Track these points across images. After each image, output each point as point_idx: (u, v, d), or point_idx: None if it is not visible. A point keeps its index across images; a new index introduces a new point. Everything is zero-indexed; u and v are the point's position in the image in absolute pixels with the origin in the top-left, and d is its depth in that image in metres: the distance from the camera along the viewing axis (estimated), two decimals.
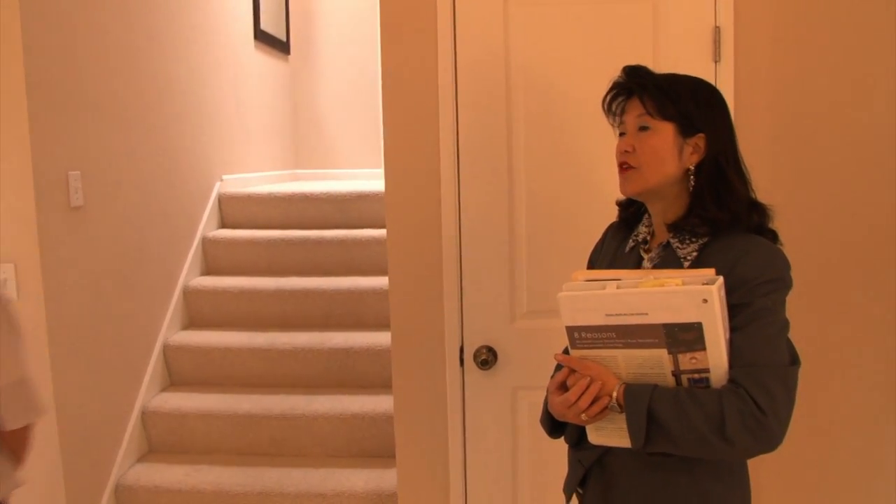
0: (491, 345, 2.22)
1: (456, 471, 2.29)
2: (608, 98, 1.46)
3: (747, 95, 2.09)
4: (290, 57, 5.76)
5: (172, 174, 3.63)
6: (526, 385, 2.22)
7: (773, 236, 1.38)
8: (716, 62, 2.10)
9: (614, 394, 1.26)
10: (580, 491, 1.50)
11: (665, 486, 1.35)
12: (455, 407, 2.26)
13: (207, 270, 3.99)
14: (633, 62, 1.46)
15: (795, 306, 1.40)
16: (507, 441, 2.27)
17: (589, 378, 1.27)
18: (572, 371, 1.31)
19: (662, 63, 1.48)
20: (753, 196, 1.40)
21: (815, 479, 2.27)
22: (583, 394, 1.27)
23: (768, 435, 1.20)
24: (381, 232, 3.93)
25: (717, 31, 2.09)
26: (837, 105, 2.14)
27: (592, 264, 1.63)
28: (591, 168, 2.15)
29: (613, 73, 1.50)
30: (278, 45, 5.44)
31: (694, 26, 2.10)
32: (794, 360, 1.28)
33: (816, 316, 2.19)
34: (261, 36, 5.02)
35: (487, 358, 2.21)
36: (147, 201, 3.34)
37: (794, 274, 1.32)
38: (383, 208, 4.07)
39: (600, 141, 2.12)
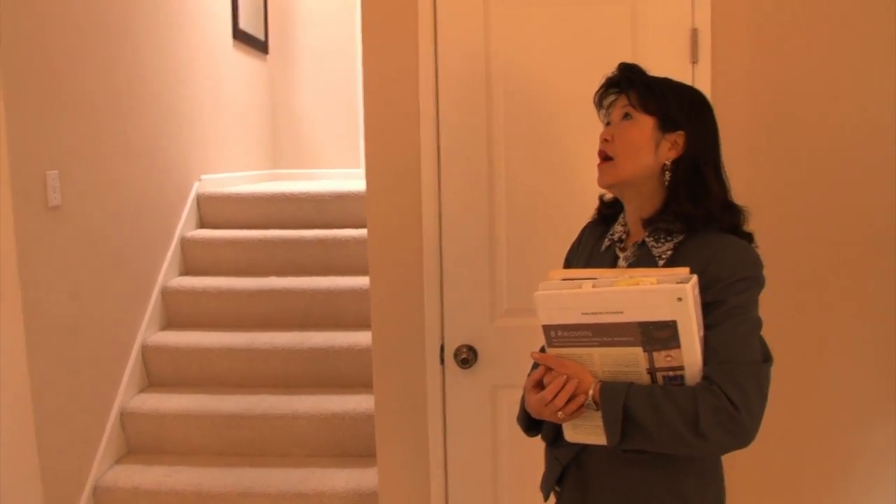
0: (471, 343, 2.23)
1: (436, 470, 2.30)
2: (599, 92, 1.50)
3: (724, 97, 2.12)
4: (268, 56, 5.74)
5: (150, 174, 3.61)
6: (506, 384, 2.23)
7: (749, 238, 1.40)
8: (693, 64, 2.12)
9: (590, 391, 1.28)
10: (557, 489, 1.52)
11: (641, 483, 1.37)
12: (435, 406, 2.27)
13: (186, 271, 3.97)
14: (611, 63, 1.50)
15: (771, 306, 1.43)
16: (488, 440, 2.28)
17: (565, 376, 1.29)
18: (549, 369, 1.32)
19: (641, 64, 1.51)
20: (730, 198, 1.42)
21: (788, 476, 2.31)
22: (559, 392, 1.29)
23: (741, 430, 1.22)
24: (361, 232, 3.93)
25: (694, 32, 2.12)
26: (815, 107, 2.17)
27: (569, 263, 1.64)
28: (572, 167, 2.17)
29: (592, 73, 1.53)
30: (257, 45, 5.42)
31: (672, 28, 2.12)
32: (767, 358, 1.30)
33: (791, 316, 2.22)
34: (239, 35, 5.01)
35: (468, 357, 2.22)
36: (125, 201, 3.32)
37: (770, 275, 1.35)
38: (362, 208, 4.10)
39: (580, 140, 2.14)
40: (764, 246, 1.42)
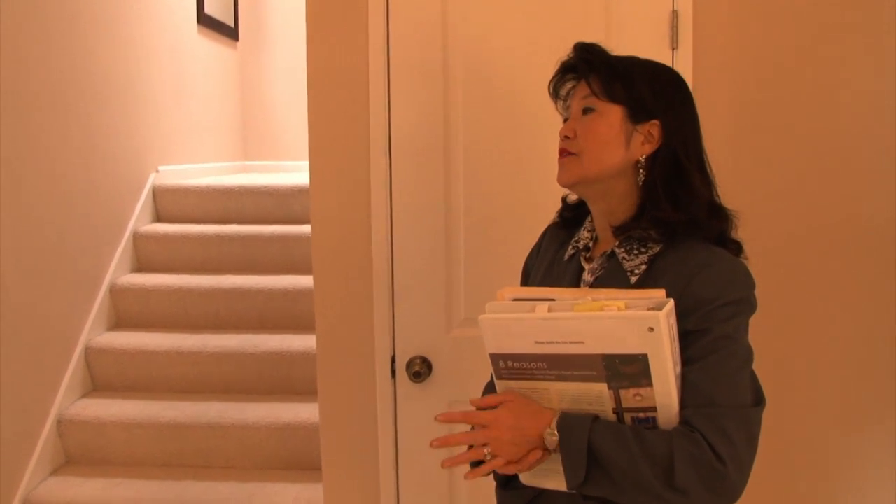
0: (425, 355, 2.03)
1: (387, 492, 2.10)
2: (555, 80, 1.28)
3: (707, 85, 1.92)
4: (238, 43, 5.51)
5: (99, 163, 3.39)
6: (463, 399, 2.00)
7: (737, 248, 1.19)
8: (673, 49, 1.93)
9: (553, 422, 1.07)
10: None
11: None
12: (386, 423, 2.07)
13: (139, 267, 3.75)
14: None
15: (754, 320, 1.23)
16: (444, 458, 2.08)
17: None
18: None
19: (615, 50, 1.32)
20: (717, 200, 1.21)
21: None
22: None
23: (727, 488, 1.01)
24: None
25: (674, 15, 1.93)
26: (804, 95, 1.99)
27: (527, 271, 1.44)
28: (537, 163, 1.97)
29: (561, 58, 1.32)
30: (225, 31, 5.19)
31: (650, 10, 1.93)
32: (759, 399, 1.09)
33: (776, 322, 2.03)
34: (205, 20, 4.78)
35: (421, 370, 2.02)
36: (69, 193, 3.10)
37: (756, 278, 1.14)
38: None
39: (546, 134, 1.93)
40: (748, 248, 1.22)
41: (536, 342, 1.05)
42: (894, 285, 2.05)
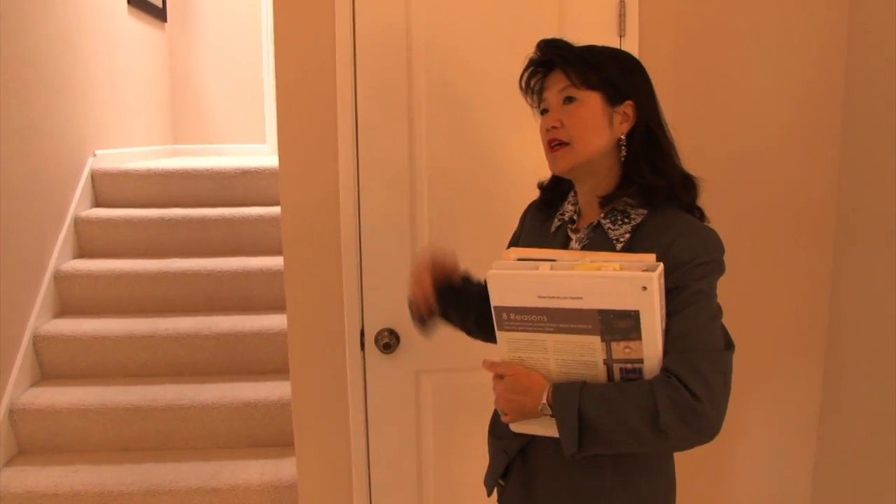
0: (393, 327, 2.12)
1: (358, 459, 2.19)
2: (525, 75, 1.38)
3: (652, 70, 2.04)
4: (166, 25, 5.43)
5: (38, 148, 3.33)
6: (430, 368, 2.15)
7: (702, 215, 1.34)
8: (620, 37, 2.06)
9: (544, 397, 1.20)
10: (501, 483, 1.43)
11: (590, 478, 1.29)
12: (356, 393, 2.16)
13: (81, 253, 3.71)
14: (538, 36, 1.39)
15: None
16: (412, 427, 2.19)
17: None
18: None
19: (568, 37, 1.43)
20: (682, 165, 1.35)
21: (737, 472, 2.31)
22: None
23: (705, 423, 1.14)
24: (269, 210, 3.77)
25: (621, 4, 2.05)
26: (743, 81, 2.14)
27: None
28: (495, 143, 2.08)
29: (518, 46, 1.42)
30: (154, 12, 5.12)
31: (599, 1, 2.05)
32: (729, 345, 1.24)
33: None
34: (134, 1, 4.70)
35: (390, 341, 2.12)
36: (9, 178, 3.05)
37: None
38: (271, 185, 3.93)
39: (504, 116, 2.06)
40: None
41: (539, 297, 1.16)
42: (823, 248, 2.24)
